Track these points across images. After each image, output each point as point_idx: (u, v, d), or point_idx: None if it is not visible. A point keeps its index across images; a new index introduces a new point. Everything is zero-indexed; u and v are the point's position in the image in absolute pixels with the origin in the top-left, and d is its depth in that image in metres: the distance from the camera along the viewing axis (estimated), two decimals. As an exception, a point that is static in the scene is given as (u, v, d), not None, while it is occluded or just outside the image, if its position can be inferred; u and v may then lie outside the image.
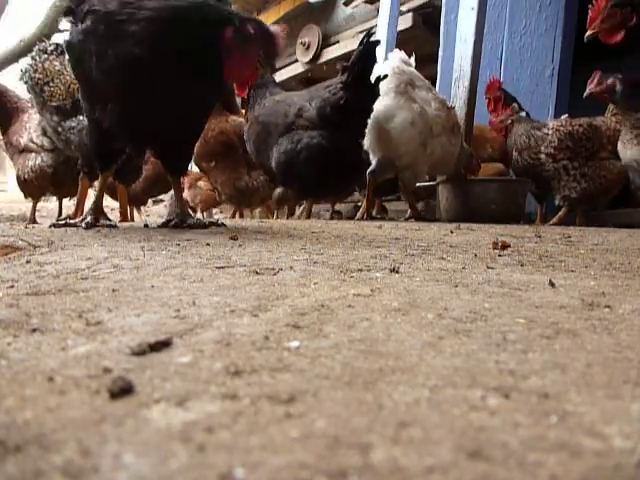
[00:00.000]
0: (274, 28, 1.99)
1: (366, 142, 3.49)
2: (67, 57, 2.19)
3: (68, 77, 2.86)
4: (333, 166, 2.97)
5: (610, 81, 3.18)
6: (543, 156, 3.62)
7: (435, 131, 3.31)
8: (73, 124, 2.89)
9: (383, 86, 3.27)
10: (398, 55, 3.41)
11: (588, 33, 2.79)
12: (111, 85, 1.90)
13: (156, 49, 1.81)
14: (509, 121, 3.78)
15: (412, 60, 3.46)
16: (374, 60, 2.92)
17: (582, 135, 3.44)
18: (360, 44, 2.93)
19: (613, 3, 2.66)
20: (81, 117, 2.80)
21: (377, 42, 2.96)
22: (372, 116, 3.28)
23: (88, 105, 2.10)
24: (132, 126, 2.04)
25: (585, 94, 3.37)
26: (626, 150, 3.17)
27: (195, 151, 3.72)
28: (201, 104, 2.10)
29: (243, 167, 3.73)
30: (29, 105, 3.78)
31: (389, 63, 3.35)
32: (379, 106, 3.30)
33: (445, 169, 3.57)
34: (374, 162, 3.53)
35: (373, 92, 2.98)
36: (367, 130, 3.42)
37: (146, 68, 1.82)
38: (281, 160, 3.11)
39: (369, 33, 3.00)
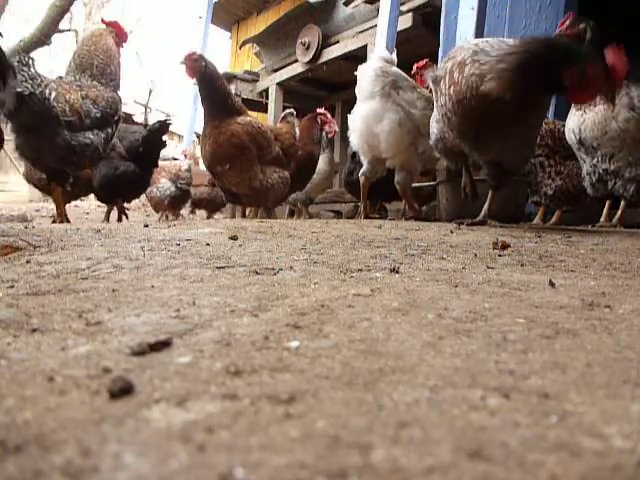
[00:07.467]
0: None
1: (356, 144, 3.49)
2: None
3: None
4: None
5: (582, 26, 3.18)
6: None
7: (423, 130, 3.31)
8: None
9: (367, 89, 3.26)
10: (380, 55, 3.36)
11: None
12: None
13: None
14: None
15: (394, 55, 3.44)
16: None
17: (563, 134, 3.45)
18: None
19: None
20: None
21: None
22: (359, 120, 3.28)
23: None
24: None
25: (554, 34, 3.37)
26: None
27: (208, 156, 3.70)
28: None
29: (256, 166, 3.73)
30: None
31: (371, 65, 3.31)
32: (366, 110, 3.29)
33: (435, 162, 3.57)
34: (365, 163, 3.53)
35: None
36: (356, 133, 3.42)
37: None
38: None
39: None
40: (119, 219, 4.49)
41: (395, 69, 3.31)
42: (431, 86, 2.67)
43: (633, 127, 2.92)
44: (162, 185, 5.25)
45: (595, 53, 2.27)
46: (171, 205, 5.46)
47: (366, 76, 3.30)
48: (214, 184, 5.95)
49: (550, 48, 2.21)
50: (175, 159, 6.28)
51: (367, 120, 3.29)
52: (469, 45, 2.42)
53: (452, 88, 2.37)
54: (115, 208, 4.67)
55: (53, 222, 3.06)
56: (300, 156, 4.32)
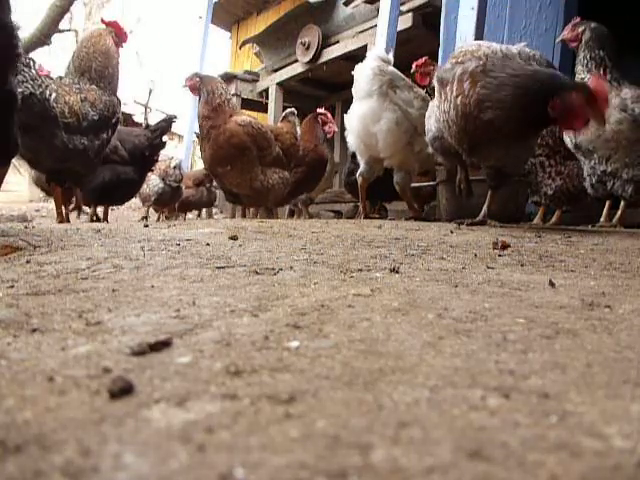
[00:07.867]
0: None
1: (353, 144, 3.47)
2: None
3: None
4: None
5: (581, 29, 3.20)
6: None
7: (420, 130, 3.29)
8: None
9: (365, 88, 3.23)
10: (377, 54, 3.33)
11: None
12: None
13: None
14: None
15: (390, 55, 3.42)
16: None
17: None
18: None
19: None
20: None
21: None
22: (356, 119, 3.26)
23: None
24: None
25: (558, 40, 3.43)
26: None
27: (209, 157, 3.67)
28: None
29: (257, 166, 3.69)
30: None
31: (368, 64, 3.28)
32: (363, 109, 3.26)
33: (432, 162, 3.57)
34: (362, 163, 3.51)
35: None
36: (353, 133, 3.40)
37: None
38: None
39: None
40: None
41: (392, 68, 3.30)
42: (435, 85, 2.66)
43: (626, 128, 2.92)
44: (151, 181, 5.26)
45: (578, 82, 2.29)
46: (159, 201, 5.45)
47: (363, 75, 3.28)
48: (198, 184, 5.94)
49: (536, 82, 2.23)
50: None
51: (364, 120, 3.27)
52: (478, 52, 2.38)
53: (460, 99, 2.36)
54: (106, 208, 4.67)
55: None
56: (311, 158, 4.31)
